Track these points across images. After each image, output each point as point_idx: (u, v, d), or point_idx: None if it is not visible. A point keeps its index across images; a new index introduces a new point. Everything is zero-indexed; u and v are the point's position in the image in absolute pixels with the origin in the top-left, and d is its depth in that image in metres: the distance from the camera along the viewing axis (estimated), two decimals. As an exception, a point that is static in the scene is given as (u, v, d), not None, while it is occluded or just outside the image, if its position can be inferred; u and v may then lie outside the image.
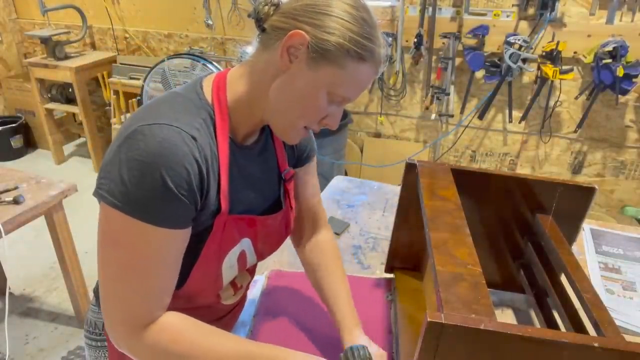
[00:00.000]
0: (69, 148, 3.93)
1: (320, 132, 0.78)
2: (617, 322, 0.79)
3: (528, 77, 2.55)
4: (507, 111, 2.60)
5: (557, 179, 0.98)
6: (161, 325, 0.68)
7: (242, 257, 0.82)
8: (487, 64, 2.44)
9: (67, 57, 3.33)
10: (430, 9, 2.51)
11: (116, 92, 3.22)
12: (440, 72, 2.62)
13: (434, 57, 2.67)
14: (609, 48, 2.21)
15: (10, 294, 2.27)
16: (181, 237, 0.68)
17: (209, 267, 0.76)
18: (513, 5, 2.40)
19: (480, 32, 2.43)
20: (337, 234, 1.40)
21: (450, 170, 0.98)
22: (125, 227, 0.63)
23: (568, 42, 2.29)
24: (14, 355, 1.97)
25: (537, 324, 1.04)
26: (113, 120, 3.33)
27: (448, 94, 2.63)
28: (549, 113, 2.54)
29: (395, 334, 1.02)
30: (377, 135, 3.06)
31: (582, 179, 2.69)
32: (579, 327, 0.84)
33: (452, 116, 2.72)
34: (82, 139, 4.03)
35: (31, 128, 3.86)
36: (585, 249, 1.35)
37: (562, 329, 0.91)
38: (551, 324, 0.96)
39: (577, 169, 2.69)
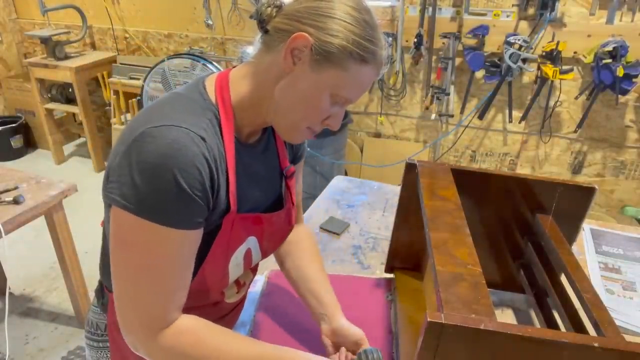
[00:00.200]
0: (69, 148, 3.93)
1: (320, 132, 0.79)
2: (617, 322, 0.79)
3: (528, 77, 2.55)
4: (507, 111, 2.60)
5: (557, 179, 0.98)
6: (179, 329, 0.69)
7: (247, 255, 0.82)
8: (487, 64, 2.44)
9: (67, 57, 3.33)
10: (430, 9, 2.51)
11: (116, 92, 3.22)
12: (440, 72, 2.62)
13: (434, 57, 2.67)
14: (609, 48, 2.21)
15: (10, 294, 2.27)
16: (195, 238, 0.68)
17: (216, 266, 0.76)
18: (513, 5, 2.40)
19: (480, 32, 2.43)
20: (337, 234, 1.40)
21: (450, 170, 0.98)
22: (139, 230, 0.63)
23: (568, 42, 2.29)
24: (14, 355, 1.97)
25: (537, 324, 1.04)
26: (113, 120, 3.33)
27: (448, 94, 2.63)
28: (549, 113, 2.54)
29: (395, 334, 1.02)
30: (377, 135, 3.06)
31: (582, 179, 2.69)
32: (579, 327, 0.84)
33: (452, 116, 2.72)
34: (82, 139, 4.03)
35: (31, 128, 3.86)
36: (585, 249, 1.35)
37: (562, 329, 0.91)
38: (551, 324, 0.96)
39: (577, 169, 2.69)
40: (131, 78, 3.24)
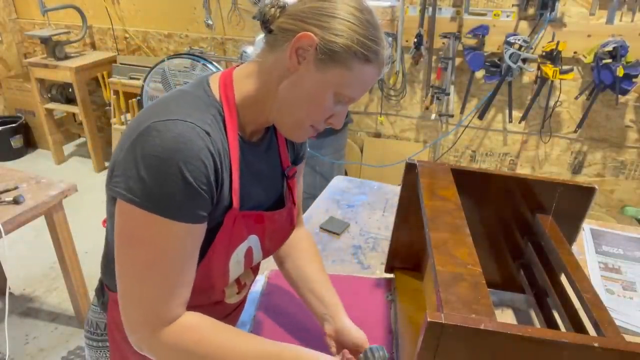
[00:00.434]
0: (69, 148, 3.93)
1: (320, 132, 0.79)
2: (617, 322, 0.79)
3: (528, 77, 2.55)
4: (507, 111, 2.60)
5: (557, 179, 0.98)
6: (183, 325, 0.69)
7: (249, 253, 0.82)
8: (487, 64, 2.44)
9: (67, 57, 3.33)
10: (430, 9, 2.51)
11: (116, 92, 3.22)
12: (440, 72, 2.62)
13: (434, 57, 2.67)
14: (609, 48, 2.21)
15: (10, 294, 2.27)
16: (199, 232, 0.69)
17: (217, 263, 0.76)
18: (513, 5, 2.40)
19: (480, 32, 2.43)
20: (337, 234, 1.40)
21: (450, 170, 0.98)
22: (145, 223, 0.64)
23: (568, 42, 2.29)
24: (14, 355, 1.97)
25: (537, 324, 1.04)
26: (113, 120, 3.33)
27: (448, 94, 2.62)
28: (549, 113, 2.54)
29: (395, 334, 1.02)
30: (377, 135, 3.06)
31: (582, 179, 2.69)
32: (579, 327, 0.84)
33: (452, 116, 2.72)
34: (82, 139, 4.03)
35: (31, 128, 3.86)
36: (585, 249, 1.35)
37: (562, 329, 0.91)
38: (551, 324, 0.96)
39: (577, 169, 2.69)
40: (131, 78, 3.24)
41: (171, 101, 0.69)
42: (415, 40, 2.55)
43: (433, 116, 2.79)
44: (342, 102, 0.73)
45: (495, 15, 2.46)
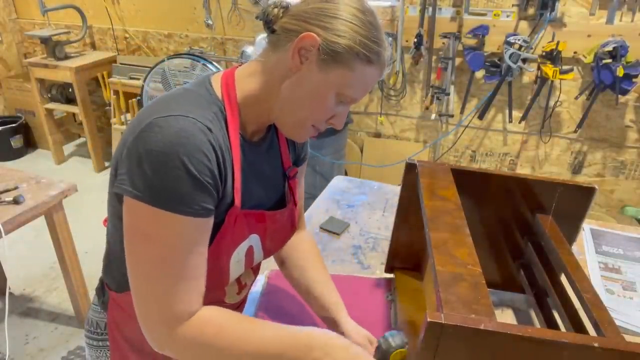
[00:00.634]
0: (69, 148, 3.93)
1: (320, 133, 0.79)
2: (617, 322, 0.79)
3: (528, 77, 2.55)
4: (507, 111, 2.60)
5: (557, 179, 0.98)
6: (202, 319, 0.69)
7: (249, 252, 0.82)
8: (487, 64, 2.44)
9: (67, 57, 3.33)
10: (430, 9, 2.51)
11: (116, 92, 3.22)
12: (440, 72, 2.62)
13: (434, 57, 2.67)
14: (609, 48, 2.21)
15: (10, 294, 2.27)
16: (207, 226, 0.69)
17: (218, 261, 0.76)
18: (513, 5, 2.40)
19: (480, 32, 2.43)
20: (337, 234, 1.40)
21: (450, 170, 0.98)
22: (153, 219, 0.64)
23: (568, 42, 2.29)
24: (14, 355, 1.97)
25: (537, 324, 1.04)
26: (113, 120, 3.33)
27: (448, 94, 2.62)
28: (549, 113, 2.54)
29: (395, 334, 1.02)
30: (377, 135, 3.06)
31: (582, 179, 2.69)
32: (579, 327, 0.84)
33: (452, 116, 2.72)
34: (82, 139, 4.03)
35: (31, 128, 3.86)
36: (585, 249, 1.35)
37: (562, 329, 0.91)
38: (551, 324, 0.96)
39: (577, 169, 2.69)
40: (131, 78, 3.24)
41: (172, 99, 0.70)
42: (415, 40, 2.55)
43: (433, 116, 2.79)
44: (343, 103, 0.73)
45: (495, 15, 2.46)
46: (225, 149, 0.70)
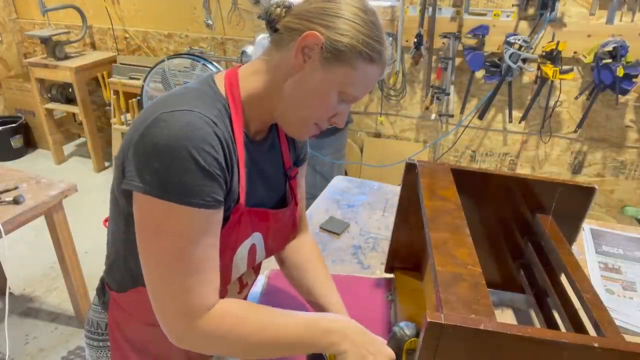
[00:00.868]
0: (69, 148, 3.93)
1: (320, 132, 0.80)
2: (617, 322, 0.79)
3: (528, 77, 2.55)
4: (507, 111, 2.60)
5: (557, 179, 0.98)
6: (221, 311, 0.69)
7: (252, 250, 0.83)
8: (487, 64, 2.44)
9: (67, 57, 3.33)
10: (430, 9, 2.51)
11: (116, 92, 3.22)
12: (440, 72, 2.62)
13: (434, 57, 2.67)
14: (609, 48, 2.20)
15: (10, 294, 2.27)
16: (219, 218, 0.69)
17: (221, 258, 0.76)
18: (513, 5, 2.40)
19: (480, 32, 2.43)
20: (337, 234, 1.40)
21: (450, 170, 0.98)
22: (165, 214, 0.64)
23: (568, 42, 2.29)
24: (14, 355, 1.97)
25: (537, 324, 1.04)
26: (113, 120, 3.33)
27: (448, 94, 2.62)
28: (549, 113, 2.54)
29: (395, 334, 1.02)
30: (377, 135, 3.06)
31: (582, 179, 2.69)
32: (579, 327, 0.84)
33: (452, 116, 2.72)
34: (82, 139, 4.03)
35: (31, 128, 3.86)
36: (585, 249, 1.35)
37: (562, 329, 0.91)
38: (551, 324, 0.96)
39: (577, 169, 2.69)
40: (131, 78, 3.24)
41: (176, 96, 0.70)
42: (415, 40, 2.55)
43: (433, 116, 2.79)
44: (345, 101, 0.74)
45: (495, 15, 2.46)
46: (231, 144, 0.71)
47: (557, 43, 2.26)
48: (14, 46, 3.87)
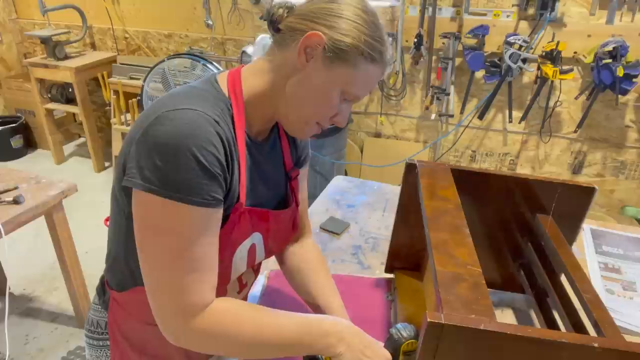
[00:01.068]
0: (69, 148, 3.93)
1: (320, 132, 0.80)
2: (617, 322, 0.79)
3: (528, 77, 2.55)
4: (507, 111, 2.60)
5: (557, 179, 0.98)
6: (217, 310, 0.70)
7: (252, 250, 0.83)
8: (487, 64, 2.44)
9: (67, 57, 3.33)
10: (430, 9, 2.51)
11: (116, 92, 3.22)
12: (440, 72, 2.62)
13: (434, 57, 2.67)
14: (609, 48, 2.20)
15: (10, 294, 2.27)
16: (218, 216, 0.69)
17: (221, 257, 0.76)
18: (513, 5, 2.40)
19: (480, 32, 2.43)
20: (337, 234, 1.40)
21: (450, 170, 0.98)
22: (165, 212, 0.64)
23: (568, 42, 2.29)
24: (14, 355, 1.97)
25: (537, 324, 1.04)
26: (113, 120, 3.33)
27: (448, 94, 2.62)
28: (549, 113, 2.54)
29: (395, 334, 1.02)
30: (377, 135, 3.06)
31: (582, 179, 2.69)
32: (579, 327, 0.84)
33: (452, 116, 2.72)
34: (82, 139, 4.03)
35: (31, 128, 3.86)
36: (585, 249, 1.35)
37: (562, 329, 0.91)
38: (551, 324, 0.96)
39: (577, 169, 2.69)
40: (131, 78, 3.23)
41: (178, 95, 0.71)
42: (415, 40, 2.55)
43: (433, 116, 2.79)
44: (347, 100, 0.75)
45: (495, 15, 2.46)
46: (232, 143, 0.71)
47: (557, 43, 2.26)
48: (14, 46, 3.87)
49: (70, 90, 3.43)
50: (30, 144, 3.91)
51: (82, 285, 2.02)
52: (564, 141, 2.65)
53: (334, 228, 1.41)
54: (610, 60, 2.20)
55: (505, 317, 1.09)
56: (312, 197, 1.75)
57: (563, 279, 0.93)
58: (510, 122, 2.63)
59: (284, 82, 0.73)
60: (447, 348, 0.58)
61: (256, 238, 0.83)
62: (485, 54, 2.43)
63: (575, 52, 2.36)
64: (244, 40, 3.07)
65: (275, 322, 0.72)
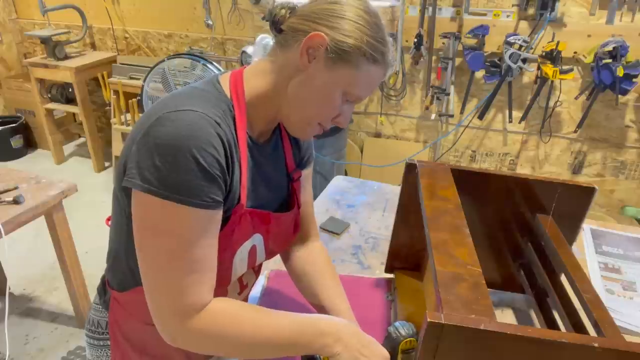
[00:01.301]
0: (69, 148, 3.93)
1: (321, 133, 0.80)
2: (617, 322, 0.79)
3: (528, 77, 2.55)
4: (507, 111, 2.60)
5: (557, 179, 0.98)
6: (214, 310, 0.70)
7: (252, 252, 0.83)
8: (487, 64, 2.44)
9: (67, 57, 3.33)
10: (430, 9, 2.51)
11: (116, 92, 3.22)
12: (440, 72, 2.62)
13: (434, 57, 2.67)
14: (609, 48, 2.20)
15: (10, 294, 2.27)
16: (218, 218, 0.69)
17: (221, 258, 0.76)
18: (513, 5, 2.40)
19: (480, 32, 2.43)
20: (337, 234, 1.40)
21: (450, 170, 0.98)
22: (164, 212, 0.64)
23: (568, 42, 2.29)
24: (14, 355, 1.97)
25: (537, 324, 1.04)
26: (113, 120, 3.33)
27: (448, 94, 2.62)
28: (549, 113, 2.54)
29: (395, 334, 1.02)
30: (377, 135, 3.06)
31: (582, 179, 2.69)
32: (579, 327, 0.84)
33: (452, 116, 2.72)
34: (82, 139, 4.03)
35: (31, 128, 3.86)
36: (585, 249, 1.35)
37: (562, 329, 0.91)
38: (551, 324, 0.96)
39: (577, 169, 2.69)
40: (131, 78, 3.23)
41: (180, 95, 0.71)
42: (415, 40, 2.55)
43: (433, 116, 2.79)
44: (349, 101, 0.75)
45: (495, 15, 2.46)
46: (233, 145, 0.71)
47: (557, 43, 2.26)
48: (14, 46, 3.87)
49: (70, 90, 3.43)
50: (30, 144, 3.91)
51: (82, 285, 2.02)
52: (564, 141, 2.65)
53: (334, 228, 1.42)
54: (610, 60, 2.20)
55: (505, 317, 1.09)
56: (312, 197, 1.75)
57: (563, 279, 0.93)
58: (510, 122, 2.63)
59: (286, 82, 0.73)
60: (447, 348, 0.58)
61: (257, 239, 0.83)
62: (485, 54, 2.43)
63: (575, 52, 2.36)
64: (244, 40, 3.07)
65: (272, 322, 0.72)
